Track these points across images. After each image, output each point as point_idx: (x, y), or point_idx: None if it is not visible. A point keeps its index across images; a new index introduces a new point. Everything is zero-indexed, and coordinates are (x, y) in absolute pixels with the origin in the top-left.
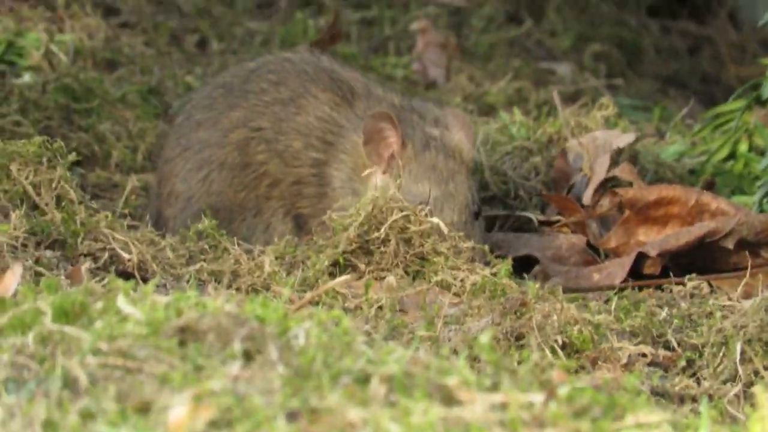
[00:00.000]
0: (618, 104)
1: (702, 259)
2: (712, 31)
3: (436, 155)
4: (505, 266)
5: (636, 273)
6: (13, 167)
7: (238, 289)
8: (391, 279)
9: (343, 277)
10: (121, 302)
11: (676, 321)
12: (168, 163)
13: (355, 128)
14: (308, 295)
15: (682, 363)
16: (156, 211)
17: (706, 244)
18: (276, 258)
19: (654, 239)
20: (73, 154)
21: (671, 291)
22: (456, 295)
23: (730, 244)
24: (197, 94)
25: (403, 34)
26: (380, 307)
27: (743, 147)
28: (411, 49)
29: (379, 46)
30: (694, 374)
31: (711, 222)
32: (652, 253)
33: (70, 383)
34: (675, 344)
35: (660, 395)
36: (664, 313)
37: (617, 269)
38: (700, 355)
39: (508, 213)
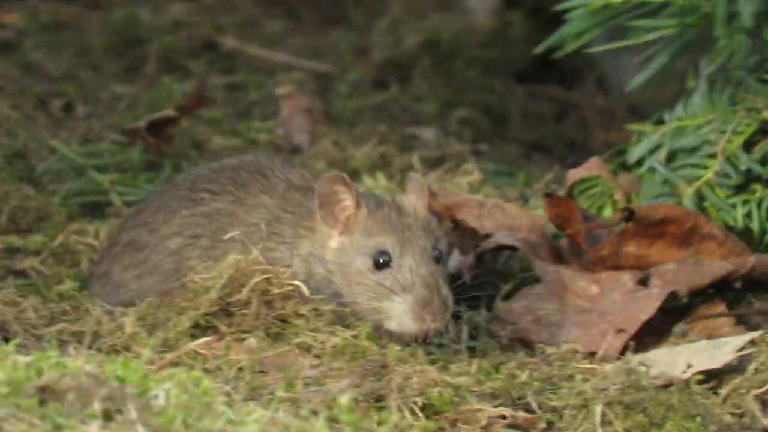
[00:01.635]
0: (483, 169)
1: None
2: (579, 97)
3: (389, 212)
4: (365, 329)
5: None
6: None
7: (98, 350)
8: (251, 341)
9: (204, 339)
10: None
11: (536, 383)
12: (112, 247)
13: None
14: (169, 356)
15: (542, 425)
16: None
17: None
18: (137, 319)
19: (661, 265)
20: None
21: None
22: (316, 356)
23: (737, 284)
24: (158, 190)
25: (268, 99)
26: (240, 369)
27: (607, 211)
28: (276, 114)
29: (244, 111)
30: None
31: (729, 263)
32: (684, 292)
33: None
34: (535, 406)
35: None
36: (524, 376)
37: (645, 303)
38: (560, 418)
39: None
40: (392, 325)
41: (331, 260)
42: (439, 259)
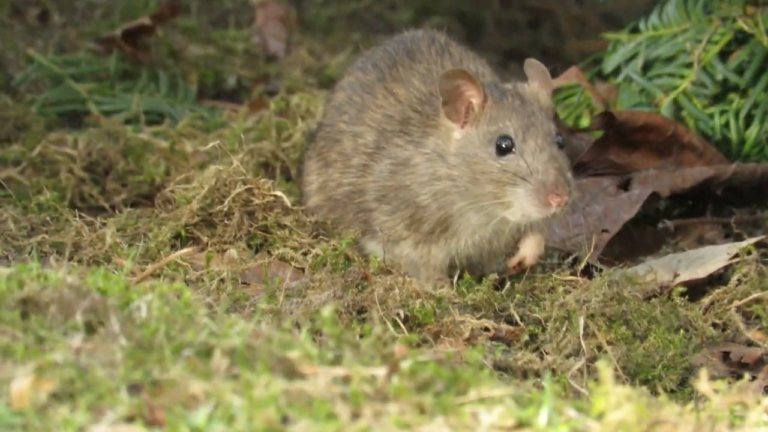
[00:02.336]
0: None
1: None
2: (553, 5)
3: (513, 101)
4: (346, 240)
5: None
6: None
7: (79, 261)
8: (233, 252)
9: (185, 250)
10: None
11: (518, 295)
12: None
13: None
14: (150, 267)
15: (525, 337)
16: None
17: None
18: (117, 230)
19: (642, 171)
20: None
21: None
22: (298, 268)
23: (718, 191)
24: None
25: (243, 8)
26: (222, 280)
27: (585, 120)
28: (251, 23)
29: (219, 19)
30: (537, 349)
31: (710, 169)
32: (665, 193)
33: None
34: (518, 318)
35: (503, 370)
36: (506, 287)
37: (627, 205)
38: (543, 330)
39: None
40: (516, 215)
41: (454, 153)
42: (562, 146)
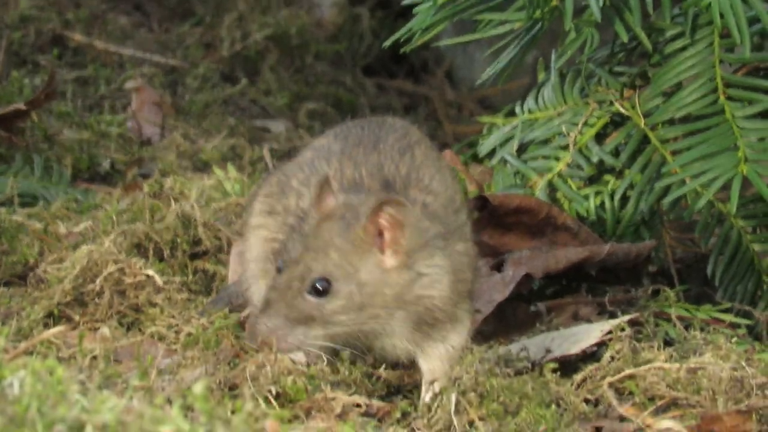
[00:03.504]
0: None
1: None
2: (428, 90)
3: (336, 223)
4: (219, 318)
5: None
6: None
7: None
8: (105, 330)
9: (58, 328)
10: None
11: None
12: None
13: None
14: (23, 345)
15: (397, 414)
16: None
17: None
18: None
19: (516, 252)
20: None
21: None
22: (170, 345)
23: (593, 271)
24: None
25: (118, 93)
26: (94, 357)
27: None
28: (126, 108)
29: (94, 104)
30: (408, 425)
31: (584, 249)
32: (539, 275)
33: None
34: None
35: None
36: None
37: (500, 286)
38: (415, 407)
39: None
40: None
41: None
42: (321, 292)
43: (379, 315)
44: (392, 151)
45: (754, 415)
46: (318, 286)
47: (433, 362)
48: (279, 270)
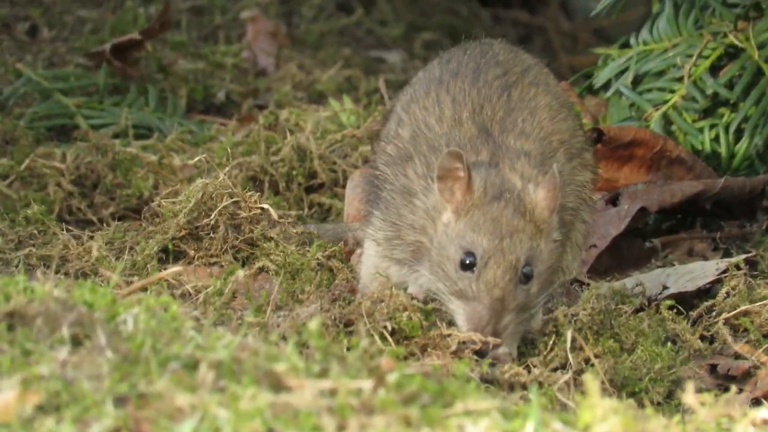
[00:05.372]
0: None
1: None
2: (543, 21)
3: (503, 208)
4: (337, 250)
5: None
6: None
7: (66, 274)
8: (240, 273)
9: (175, 269)
10: None
11: None
12: None
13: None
14: (138, 282)
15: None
16: None
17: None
18: (105, 243)
19: (631, 186)
20: None
21: None
22: (286, 280)
23: (707, 205)
24: None
25: (233, 23)
26: (209, 293)
27: None
28: (241, 38)
29: (209, 34)
30: (524, 362)
31: (699, 183)
32: (653, 208)
33: None
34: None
35: (490, 382)
36: None
37: (615, 220)
38: (532, 343)
39: None
40: (456, 321)
41: (437, 237)
42: (529, 277)
43: (546, 288)
44: (490, 90)
45: None
46: (526, 272)
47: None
48: (468, 265)
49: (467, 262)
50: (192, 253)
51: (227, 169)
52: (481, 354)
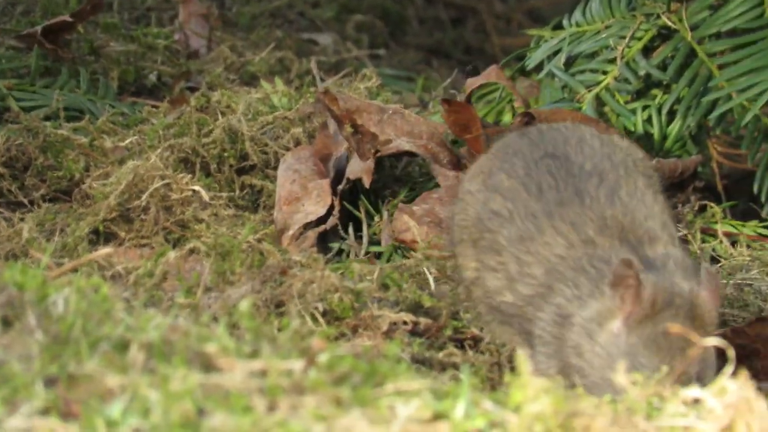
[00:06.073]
0: (381, 75)
1: None
2: (476, 2)
3: (674, 318)
4: (266, 232)
5: None
6: None
7: None
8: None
9: (105, 250)
10: None
11: (444, 286)
12: None
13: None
14: (68, 264)
15: (448, 332)
16: None
17: None
18: (35, 225)
19: None
20: None
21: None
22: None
23: None
24: None
25: (164, 5)
26: (139, 275)
27: (507, 117)
28: (173, 20)
29: (140, 16)
30: (457, 342)
31: None
32: None
33: None
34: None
35: (421, 363)
36: (432, 280)
37: None
38: (464, 325)
39: None
40: None
41: (599, 341)
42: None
43: None
44: (600, 205)
45: None
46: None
47: None
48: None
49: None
50: (123, 234)
51: (158, 151)
52: None
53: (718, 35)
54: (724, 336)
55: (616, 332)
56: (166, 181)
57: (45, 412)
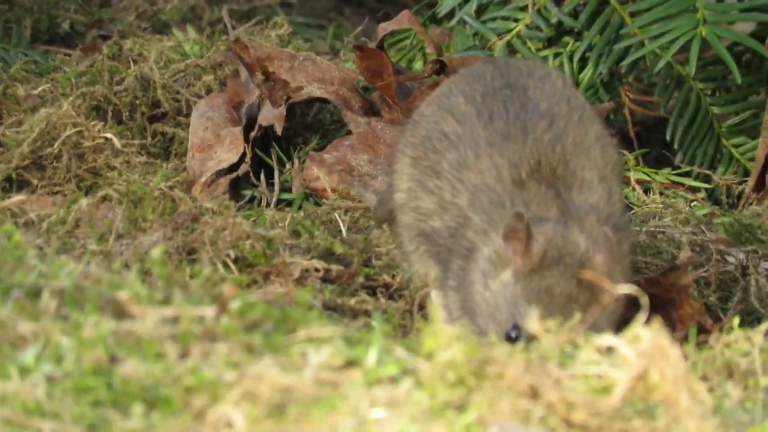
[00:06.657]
0: (292, 23)
1: None
2: None
3: (560, 275)
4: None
5: None
6: None
7: None
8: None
9: (18, 198)
10: None
11: (355, 234)
12: None
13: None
14: None
15: (360, 279)
16: None
17: None
18: None
19: None
20: None
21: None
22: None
23: None
24: None
25: None
26: (52, 222)
27: (418, 65)
28: None
29: None
30: (369, 290)
31: None
32: None
33: None
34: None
35: (333, 310)
36: (344, 228)
37: None
38: (376, 272)
39: None
40: None
41: (491, 294)
42: None
43: None
44: (543, 146)
45: (689, 268)
46: None
47: None
48: (514, 339)
49: (513, 335)
50: (35, 182)
51: (71, 99)
52: None
53: None
54: (638, 284)
55: (505, 281)
56: (79, 128)
57: None
